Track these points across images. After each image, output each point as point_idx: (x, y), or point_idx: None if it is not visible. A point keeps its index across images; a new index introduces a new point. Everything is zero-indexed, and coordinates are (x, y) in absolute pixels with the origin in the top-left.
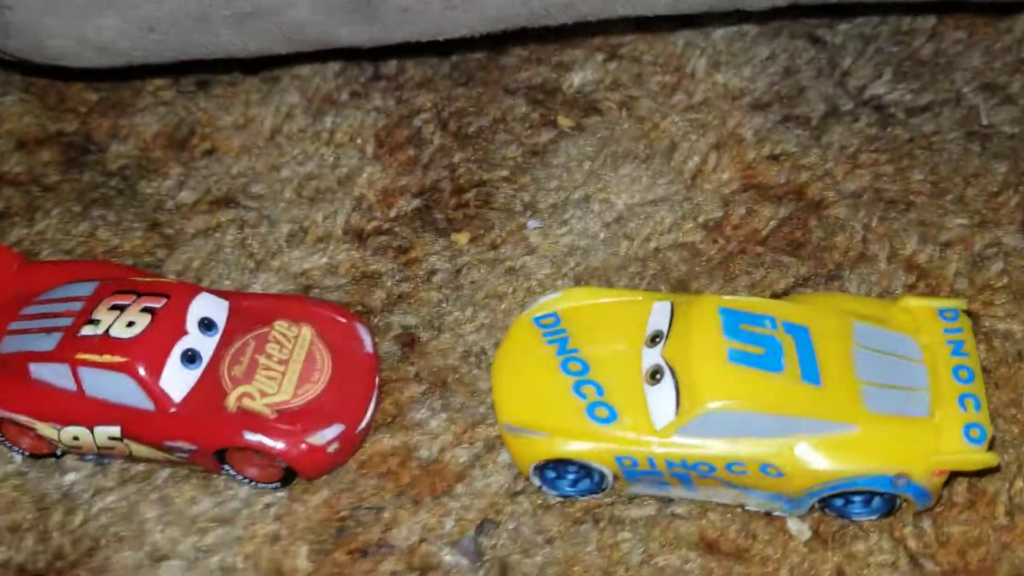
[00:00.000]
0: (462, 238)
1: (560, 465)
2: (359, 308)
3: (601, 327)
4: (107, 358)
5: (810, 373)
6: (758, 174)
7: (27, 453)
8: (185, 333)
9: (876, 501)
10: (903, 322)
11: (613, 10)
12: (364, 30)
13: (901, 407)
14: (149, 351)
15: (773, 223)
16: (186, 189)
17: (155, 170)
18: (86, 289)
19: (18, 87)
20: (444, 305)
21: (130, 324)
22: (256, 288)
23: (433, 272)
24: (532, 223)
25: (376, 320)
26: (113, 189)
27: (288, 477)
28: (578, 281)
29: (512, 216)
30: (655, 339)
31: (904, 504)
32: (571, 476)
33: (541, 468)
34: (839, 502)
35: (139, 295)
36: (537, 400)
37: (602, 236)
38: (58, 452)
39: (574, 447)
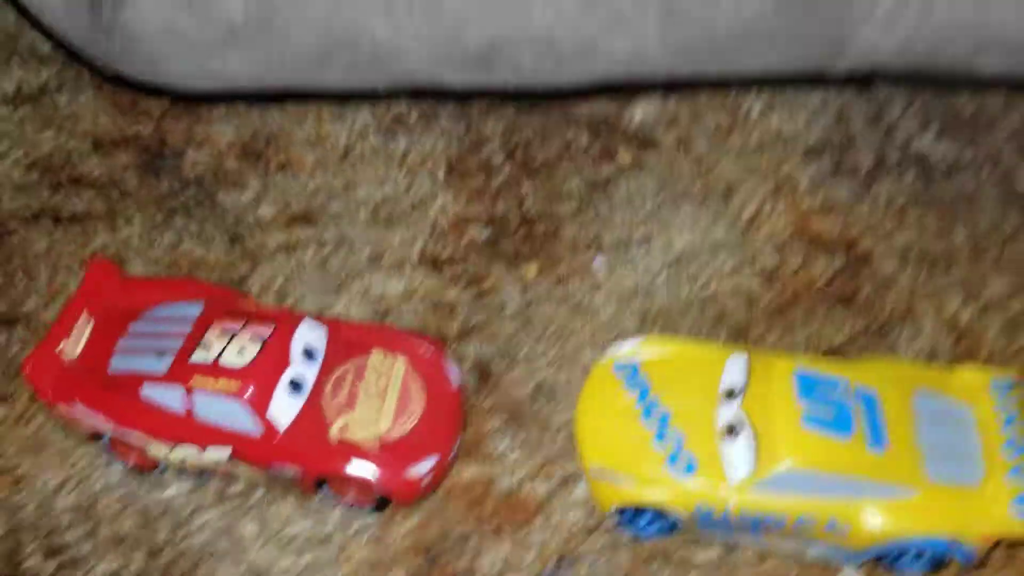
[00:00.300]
0: (531, 270)
1: (638, 507)
2: (435, 335)
3: (679, 378)
4: (221, 384)
5: (876, 438)
6: (812, 223)
7: (130, 466)
8: (290, 362)
9: (926, 558)
10: (959, 390)
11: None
12: (472, 78)
13: (956, 475)
14: (260, 379)
15: (827, 274)
16: (265, 203)
17: (232, 181)
18: (191, 311)
19: (91, 85)
20: (517, 337)
21: (240, 351)
22: (338, 309)
23: (505, 304)
24: (598, 260)
25: (452, 348)
26: (192, 199)
27: (383, 503)
28: (643, 320)
29: (578, 251)
30: (730, 394)
31: (949, 562)
32: (648, 518)
33: (620, 510)
34: (893, 557)
35: (248, 321)
36: (622, 447)
37: (664, 276)
38: (161, 468)
39: (658, 494)
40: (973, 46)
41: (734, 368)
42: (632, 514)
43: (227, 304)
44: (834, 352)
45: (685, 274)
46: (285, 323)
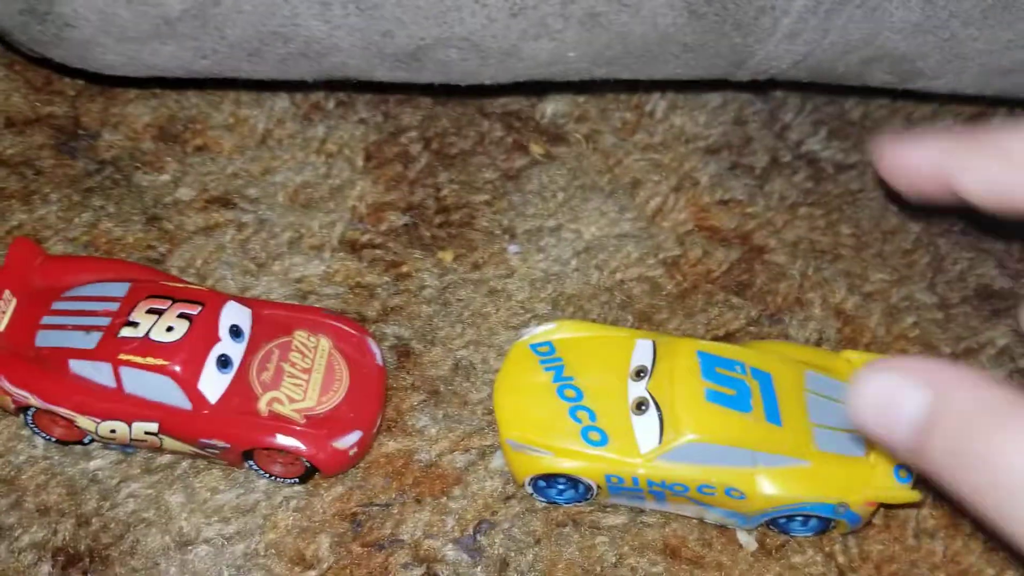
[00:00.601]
0: (447, 256)
1: (552, 477)
2: (355, 317)
3: (591, 358)
4: (150, 360)
5: (772, 414)
6: (711, 217)
7: (55, 439)
8: (219, 339)
9: (813, 521)
10: (844, 372)
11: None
12: (400, 74)
13: (843, 447)
14: (189, 356)
15: (724, 265)
16: (183, 186)
17: (149, 163)
18: (119, 290)
19: (2, 64)
20: (435, 320)
21: (169, 329)
22: (259, 290)
23: (423, 287)
24: (512, 247)
25: (372, 329)
26: (109, 179)
27: (308, 475)
28: (554, 305)
29: (493, 239)
30: (639, 373)
31: (836, 525)
32: (560, 487)
33: (535, 479)
34: (783, 520)
35: (174, 300)
36: (538, 421)
37: (574, 264)
38: (86, 440)
39: (571, 465)
40: (863, 60)
41: (642, 350)
42: (546, 484)
43: (153, 283)
44: (731, 337)
45: (594, 262)
46: (212, 302)
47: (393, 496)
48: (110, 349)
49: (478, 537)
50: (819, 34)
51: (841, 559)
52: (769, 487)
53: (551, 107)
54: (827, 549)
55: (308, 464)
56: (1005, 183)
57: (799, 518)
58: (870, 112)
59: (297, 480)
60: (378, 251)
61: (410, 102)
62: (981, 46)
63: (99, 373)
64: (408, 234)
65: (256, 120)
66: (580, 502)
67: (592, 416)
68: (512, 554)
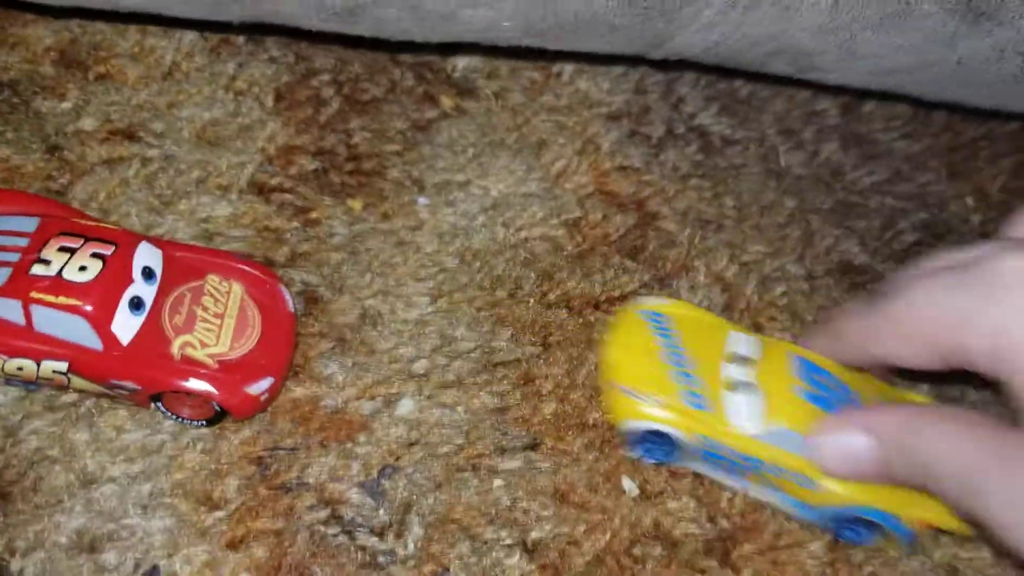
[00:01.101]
0: (357, 205)
1: (647, 434)
2: (263, 261)
3: (694, 335)
4: (62, 300)
5: None
6: (610, 182)
7: None
8: (132, 281)
9: (866, 531)
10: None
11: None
12: (334, 26)
13: None
14: (102, 297)
15: (621, 230)
16: (86, 115)
17: (50, 88)
18: (28, 225)
19: None
20: (343, 268)
21: (82, 268)
22: (164, 228)
23: (332, 235)
24: (422, 200)
25: (280, 274)
26: (6, 103)
27: (216, 418)
28: (461, 259)
29: (403, 189)
30: (735, 358)
31: (887, 537)
32: (651, 443)
33: (631, 433)
34: (845, 524)
35: (87, 239)
36: (647, 374)
37: (481, 220)
38: None
39: (673, 418)
40: (768, 52)
41: (736, 339)
42: (639, 438)
43: (64, 220)
44: (624, 298)
45: (500, 219)
46: (125, 243)
47: (299, 441)
48: (21, 286)
49: (382, 481)
50: (734, 27)
51: (712, 501)
52: (833, 484)
53: (463, 61)
54: (702, 497)
55: (218, 408)
56: (842, 353)
57: (860, 525)
58: (757, 91)
59: (205, 423)
60: (287, 195)
61: (322, 44)
62: (874, 49)
63: (8, 310)
64: (318, 179)
65: (164, 51)
66: (665, 461)
67: (695, 383)
68: (414, 497)
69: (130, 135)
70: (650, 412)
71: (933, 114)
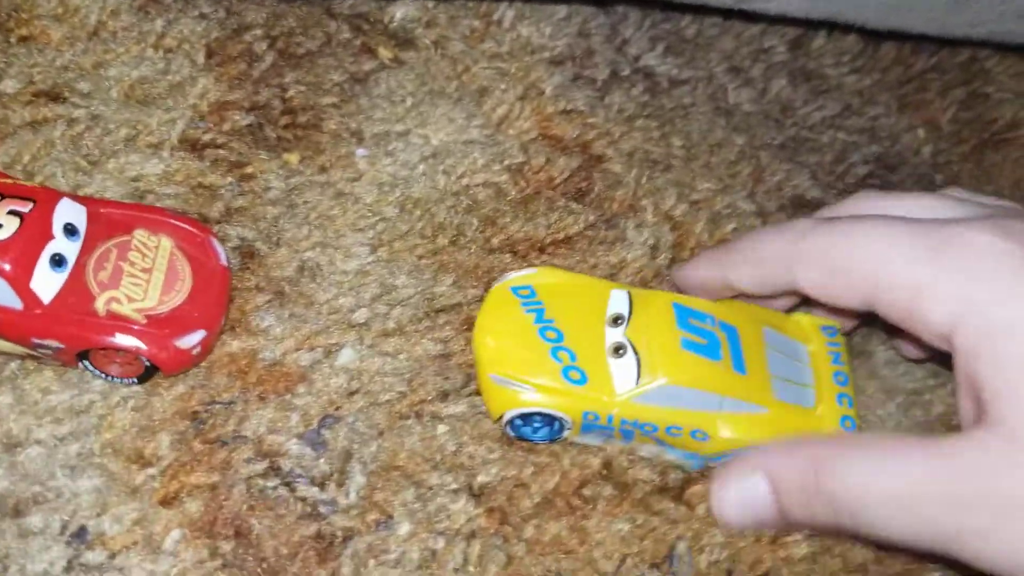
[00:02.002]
0: (293, 158)
1: (529, 416)
2: (199, 217)
3: (570, 303)
4: None
5: (738, 364)
6: (554, 127)
7: None
8: (52, 237)
9: None
10: (796, 332)
11: None
12: None
13: (796, 398)
14: (20, 253)
15: (565, 173)
16: (7, 77)
17: None
18: None
19: None
20: (280, 222)
21: None
22: (92, 188)
23: (268, 189)
24: (360, 151)
25: (215, 230)
26: None
27: (147, 375)
28: (401, 208)
29: (340, 142)
30: (616, 320)
31: None
32: (536, 424)
33: (513, 417)
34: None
35: (3, 197)
36: (521, 358)
37: (422, 169)
38: None
39: (552, 401)
40: None
41: (617, 299)
42: (522, 422)
43: None
44: (570, 241)
45: (441, 167)
46: (44, 199)
47: (236, 394)
48: None
49: (322, 431)
50: None
51: None
52: (729, 431)
53: (400, 11)
54: None
55: (148, 364)
56: (760, 278)
57: None
58: (703, 30)
59: (136, 380)
60: (221, 151)
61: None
62: None
63: None
64: (252, 135)
65: (88, 10)
66: (553, 440)
67: (572, 356)
68: (356, 446)
69: (55, 96)
70: (530, 399)
71: (882, 47)
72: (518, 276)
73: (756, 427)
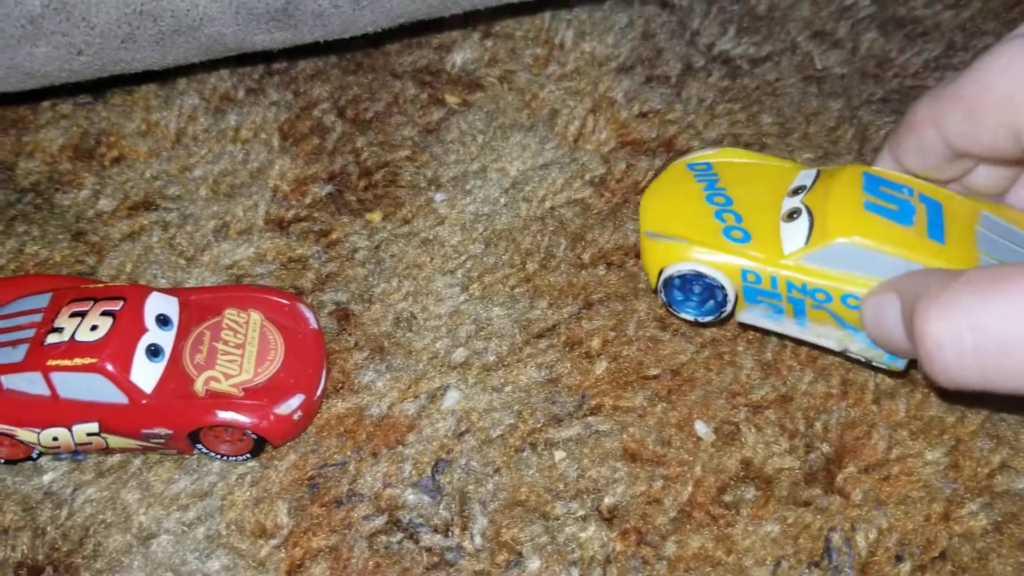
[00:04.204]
0: (375, 217)
1: (687, 285)
2: (292, 290)
3: (750, 178)
4: (78, 361)
5: (936, 233)
6: (631, 131)
7: (3, 460)
8: (146, 330)
9: None
10: (1019, 222)
11: None
12: (279, 36)
13: None
14: (116, 350)
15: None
16: (103, 197)
17: (68, 182)
18: (41, 301)
19: None
20: (370, 279)
21: (94, 328)
22: (191, 283)
23: (355, 251)
24: (439, 196)
25: (310, 299)
26: (30, 205)
27: (257, 448)
28: (488, 243)
29: (419, 192)
30: (797, 191)
31: None
32: (696, 297)
33: (668, 285)
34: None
35: (96, 300)
36: (680, 217)
37: (503, 201)
38: (34, 455)
39: (707, 256)
40: None
41: (805, 175)
42: (682, 296)
43: (74, 288)
44: None
45: (521, 195)
46: (134, 295)
47: (348, 454)
48: (38, 358)
49: (436, 477)
50: None
51: (803, 428)
52: None
53: (459, 56)
54: (790, 427)
55: (255, 436)
56: (918, 158)
57: None
58: (776, 3)
59: (248, 455)
60: (305, 223)
61: (319, 76)
62: None
63: (31, 384)
64: (334, 202)
65: (167, 121)
66: (718, 315)
67: (738, 219)
68: (472, 487)
69: (148, 205)
70: (684, 253)
71: None
72: (698, 155)
73: None
